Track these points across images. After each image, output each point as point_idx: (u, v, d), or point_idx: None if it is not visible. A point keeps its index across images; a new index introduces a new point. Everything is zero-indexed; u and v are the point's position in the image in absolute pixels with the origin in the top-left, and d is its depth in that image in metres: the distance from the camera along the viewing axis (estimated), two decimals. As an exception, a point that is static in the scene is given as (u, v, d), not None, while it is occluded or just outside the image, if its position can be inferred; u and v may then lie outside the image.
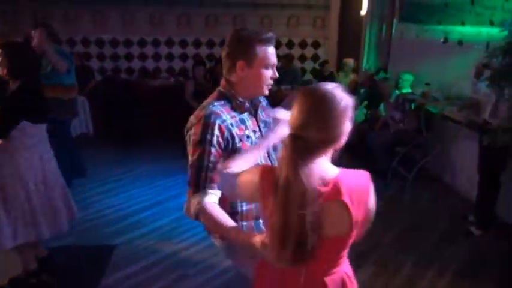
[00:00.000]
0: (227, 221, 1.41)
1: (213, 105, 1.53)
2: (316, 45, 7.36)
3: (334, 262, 1.26)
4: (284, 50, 7.05)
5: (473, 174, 3.58)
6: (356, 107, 4.63)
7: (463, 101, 3.96)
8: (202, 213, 1.44)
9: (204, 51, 7.08)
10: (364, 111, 5.39)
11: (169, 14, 6.79)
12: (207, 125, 1.47)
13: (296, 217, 1.11)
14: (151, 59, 6.97)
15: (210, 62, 6.79)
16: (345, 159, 3.11)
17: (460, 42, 4.24)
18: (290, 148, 1.11)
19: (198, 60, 6.54)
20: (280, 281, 1.29)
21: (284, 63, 6.46)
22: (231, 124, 1.53)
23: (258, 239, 1.23)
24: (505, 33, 2.46)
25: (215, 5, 6.83)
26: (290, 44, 7.27)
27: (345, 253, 1.27)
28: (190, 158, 1.50)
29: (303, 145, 1.10)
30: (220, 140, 1.48)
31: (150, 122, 5.99)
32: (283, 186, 1.12)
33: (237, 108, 1.58)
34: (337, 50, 7.21)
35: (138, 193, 4.20)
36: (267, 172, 1.23)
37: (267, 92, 1.59)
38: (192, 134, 1.50)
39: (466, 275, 2.95)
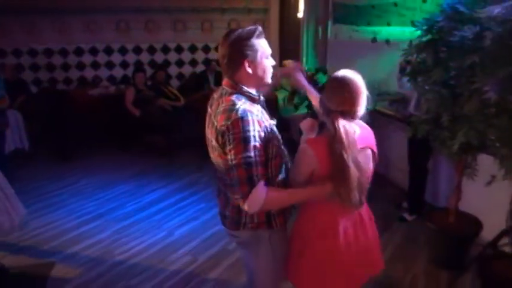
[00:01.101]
0: (292, 189, 1.67)
1: (241, 104, 1.56)
2: (257, 48, 7.47)
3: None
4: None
5: (406, 165, 3.81)
6: (297, 108, 4.70)
7: (392, 96, 4.22)
8: (270, 197, 1.54)
9: (145, 57, 6.99)
10: (306, 110, 5.56)
11: (106, 21, 6.64)
12: (247, 121, 1.51)
13: (356, 165, 1.57)
14: (90, 67, 6.78)
15: (151, 68, 6.72)
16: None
17: (388, 42, 4.50)
18: (338, 119, 1.58)
19: (138, 67, 6.45)
20: (348, 223, 1.74)
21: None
22: (261, 117, 1.60)
23: (329, 187, 1.58)
24: (418, 32, 2.65)
25: (154, 11, 6.76)
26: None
27: None
28: (234, 157, 1.51)
29: (345, 116, 1.59)
30: (262, 133, 1.55)
31: (90, 132, 5.83)
32: (346, 145, 1.54)
33: (253, 102, 1.65)
34: (279, 52, 7.37)
35: (78, 207, 4.07)
36: (315, 144, 1.65)
37: (270, 81, 1.70)
38: (233, 134, 1.50)
39: (399, 258, 3.14)
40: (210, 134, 1.65)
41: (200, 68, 7.15)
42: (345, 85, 1.62)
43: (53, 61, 6.59)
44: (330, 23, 5.94)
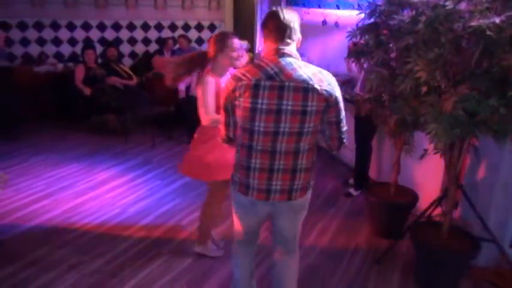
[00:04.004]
0: None
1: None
2: (212, 28, 7.44)
3: None
4: (180, 33, 7.01)
5: (353, 143, 4.02)
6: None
7: (340, 77, 4.40)
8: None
9: (95, 34, 6.74)
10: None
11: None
12: None
13: None
14: (35, 43, 6.45)
15: (102, 46, 6.51)
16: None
17: (337, 24, 4.66)
18: None
19: (87, 44, 6.23)
20: None
21: (182, 43, 6.45)
22: None
23: None
24: (362, 15, 2.80)
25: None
26: (186, 27, 7.25)
27: None
28: (343, 108, 1.83)
29: None
30: None
31: (37, 111, 5.61)
32: None
33: None
34: (233, 31, 7.37)
35: (27, 186, 3.96)
36: None
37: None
38: (338, 90, 1.80)
39: (344, 230, 3.37)
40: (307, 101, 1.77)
41: (153, 47, 7.02)
42: None
43: (-6, 35, 6.20)
44: (282, 4, 6.02)
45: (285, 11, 1.78)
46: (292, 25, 1.77)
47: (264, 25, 1.81)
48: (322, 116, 1.79)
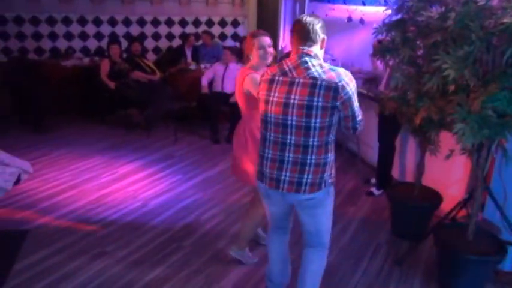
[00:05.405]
0: None
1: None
2: (235, 23, 7.44)
3: None
4: (204, 29, 7.04)
5: (376, 142, 3.96)
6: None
7: (365, 74, 4.34)
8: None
9: (120, 29, 6.85)
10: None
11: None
12: None
13: None
14: (63, 38, 6.60)
15: (127, 41, 6.61)
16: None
17: (362, 21, 4.58)
18: None
19: (113, 39, 6.34)
20: None
21: (205, 39, 6.48)
22: None
23: None
24: (390, 12, 2.74)
25: (131, -18, 6.60)
26: (210, 23, 7.28)
27: None
28: (356, 102, 1.90)
29: None
30: None
31: (63, 104, 5.74)
32: None
33: None
34: (256, 28, 7.36)
35: (52, 177, 4.07)
36: None
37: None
38: (352, 87, 1.87)
39: (364, 229, 3.33)
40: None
41: (177, 42, 7.08)
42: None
43: (24, 30, 6.37)
44: (307, 0, 5.97)
45: (307, 15, 1.97)
46: (312, 27, 1.90)
47: (290, 31, 2.00)
48: (332, 113, 1.87)
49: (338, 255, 2.97)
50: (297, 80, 1.87)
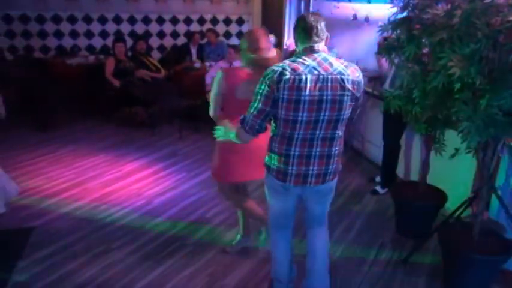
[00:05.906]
0: None
1: None
2: (240, 22, 7.43)
3: None
4: (209, 27, 7.04)
5: (381, 141, 3.94)
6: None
7: (370, 73, 4.32)
8: None
9: (125, 27, 6.86)
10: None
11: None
12: None
13: None
14: (68, 36, 6.62)
15: (132, 39, 6.62)
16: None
17: (367, 19, 4.56)
18: None
19: (118, 37, 6.35)
20: None
21: (210, 37, 6.47)
22: None
23: None
24: (395, 9, 2.72)
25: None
26: (214, 21, 7.28)
27: None
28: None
29: None
30: None
31: (68, 102, 5.76)
32: None
33: None
34: (261, 25, 7.34)
35: (57, 175, 4.09)
36: None
37: None
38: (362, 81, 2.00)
39: (369, 228, 3.31)
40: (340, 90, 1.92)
41: (182, 40, 7.08)
42: None
43: (29, 28, 6.40)
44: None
45: (310, 13, 2.02)
46: (318, 25, 1.94)
47: (294, 29, 2.02)
48: (352, 104, 1.98)
49: (342, 254, 2.97)
50: (326, 76, 1.89)
